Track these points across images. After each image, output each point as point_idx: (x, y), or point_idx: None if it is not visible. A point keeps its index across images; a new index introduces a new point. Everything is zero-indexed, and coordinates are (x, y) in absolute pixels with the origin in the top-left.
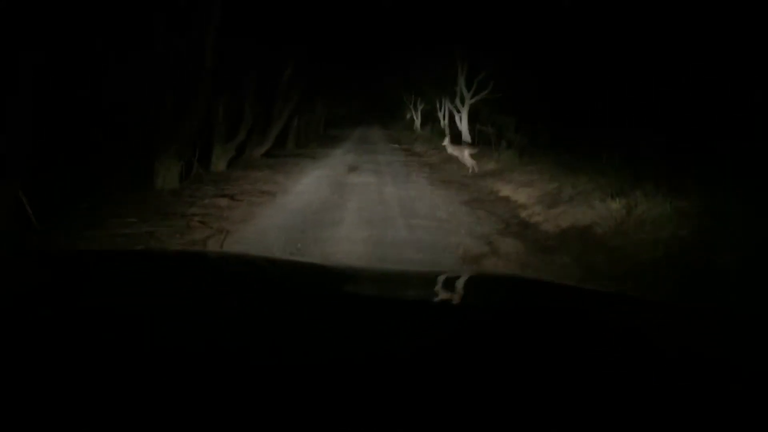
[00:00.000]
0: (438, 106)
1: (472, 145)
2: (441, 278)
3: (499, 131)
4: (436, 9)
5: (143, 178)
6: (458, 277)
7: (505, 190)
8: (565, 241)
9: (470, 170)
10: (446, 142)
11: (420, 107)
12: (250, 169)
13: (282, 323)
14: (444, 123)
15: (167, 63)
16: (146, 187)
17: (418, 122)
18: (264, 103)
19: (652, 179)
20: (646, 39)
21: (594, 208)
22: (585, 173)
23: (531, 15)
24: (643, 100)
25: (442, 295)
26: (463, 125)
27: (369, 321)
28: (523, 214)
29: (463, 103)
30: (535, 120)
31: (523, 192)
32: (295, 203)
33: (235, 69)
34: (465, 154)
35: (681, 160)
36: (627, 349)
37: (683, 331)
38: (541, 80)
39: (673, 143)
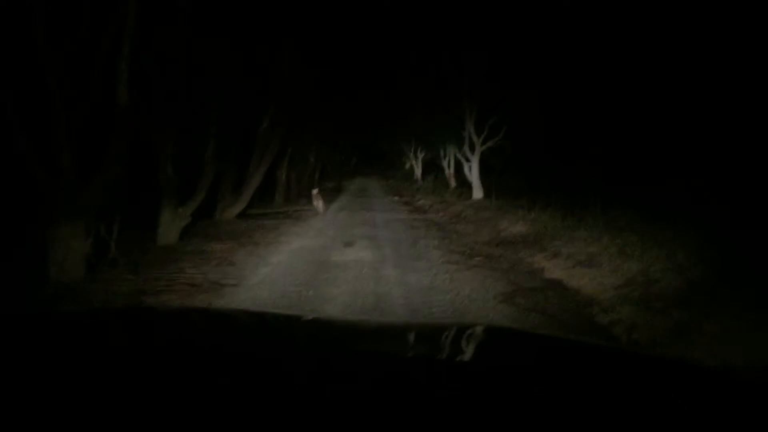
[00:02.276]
0: (442, 154)
1: None
2: (448, 332)
3: (532, 183)
4: (440, 45)
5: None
6: (464, 330)
7: (554, 268)
8: None
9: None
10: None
11: (421, 156)
12: (211, 238)
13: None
14: (449, 172)
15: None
16: (40, 275)
17: (418, 172)
18: (239, 155)
19: None
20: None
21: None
22: (671, 245)
23: (553, 42)
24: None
25: (447, 350)
26: (474, 175)
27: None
28: (605, 320)
29: (472, 150)
30: (569, 168)
31: (584, 275)
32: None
33: (195, 113)
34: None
35: None
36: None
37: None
38: (571, 122)
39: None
